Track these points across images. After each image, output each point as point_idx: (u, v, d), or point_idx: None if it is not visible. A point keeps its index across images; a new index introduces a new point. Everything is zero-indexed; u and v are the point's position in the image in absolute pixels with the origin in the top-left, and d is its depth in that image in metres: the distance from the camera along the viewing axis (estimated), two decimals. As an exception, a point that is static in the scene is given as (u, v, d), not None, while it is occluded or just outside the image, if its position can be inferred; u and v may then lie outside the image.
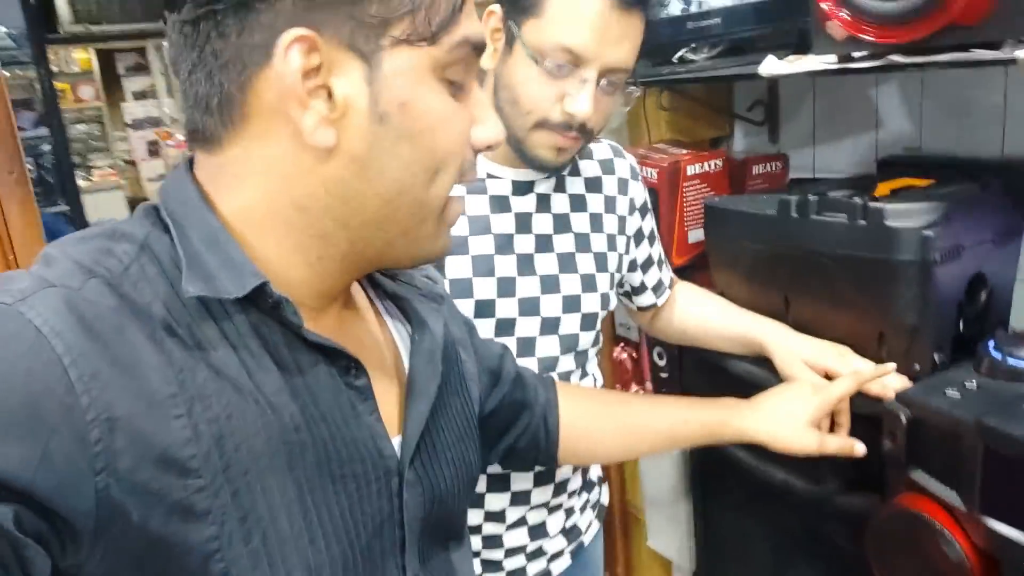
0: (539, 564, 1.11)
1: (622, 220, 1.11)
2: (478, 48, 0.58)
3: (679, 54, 1.29)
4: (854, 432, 0.96)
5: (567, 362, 1.06)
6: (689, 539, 1.52)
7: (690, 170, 1.32)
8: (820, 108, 1.38)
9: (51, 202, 3.78)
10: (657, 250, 1.19)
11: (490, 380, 0.86)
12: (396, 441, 0.63)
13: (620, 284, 1.17)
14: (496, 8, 0.95)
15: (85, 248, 0.54)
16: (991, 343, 0.90)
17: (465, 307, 0.97)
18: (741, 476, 1.18)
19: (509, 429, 0.90)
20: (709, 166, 1.34)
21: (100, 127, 6.29)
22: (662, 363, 1.50)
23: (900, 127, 1.24)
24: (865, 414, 0.96)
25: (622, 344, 1.61)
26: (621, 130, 1.58)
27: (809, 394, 0.94)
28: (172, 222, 0.55)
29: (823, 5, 0.94)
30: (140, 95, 6.00)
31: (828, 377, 1.00)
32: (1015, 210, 1.03)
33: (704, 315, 1.20)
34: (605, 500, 1.25)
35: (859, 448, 0.92)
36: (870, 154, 1.29)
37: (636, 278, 1.18)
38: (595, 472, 1.21)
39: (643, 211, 1.16)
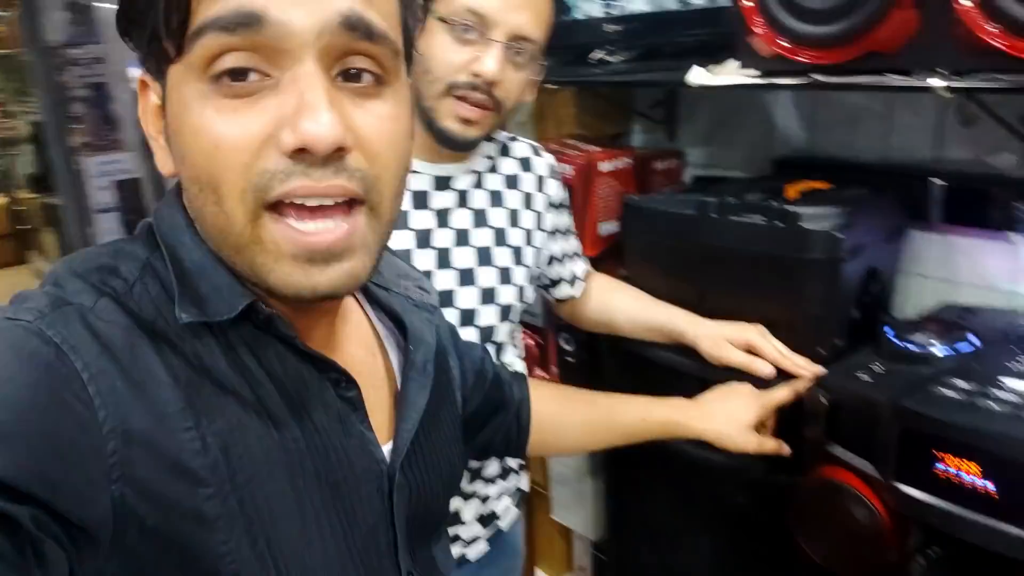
0: (454, 550, 1.14)
1: (539, 216, 1.16)
2: (243, 23, 0.48)
3: (597, 56, 1.35)
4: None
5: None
6: (594, 511, 1.61)
7: (603, 167, 1.39)
8: (717, 109, 1.48)
9: None
10: (573, 244, 1.25)
11: (475, 382, 0.90)
12: (386, 447, 0.66)
13: (537, 278, 1.22)
14: None
15: (91, 267, 0.55)
16: (890, 331, 1.02)
17: None
18: (653, 451, 1.27)
19: (486, 427, 0.94)
20: (619, 163, 1.42)
21: None
22: (569, 348, 1.57)
23: (793, 130, 1.36)
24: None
25: (526, 330, 1.67)
26: (527, 123, 1.62)
27: (752, 399, 1.04)
28: (164, 245, 0.57)
29: (752, 23, 1.02)
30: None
31: (751, 352, 1.11)
32: (899, 209, 1.18)
33: (623, 306, 1.27)
34: (525, 486, 1.31)
35: (785, 449, 1.04)
36: (764, 154, 1.41)
37: (553, 271, 1.24)
38: (514, 460, 1.27)
39: (560, 208, 1.21)
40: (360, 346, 0.69)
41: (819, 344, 1.10)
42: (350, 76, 0.52)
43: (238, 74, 0.49)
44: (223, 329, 0.55)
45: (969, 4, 0.82)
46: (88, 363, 0.49)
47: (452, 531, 1.13)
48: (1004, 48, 0.81)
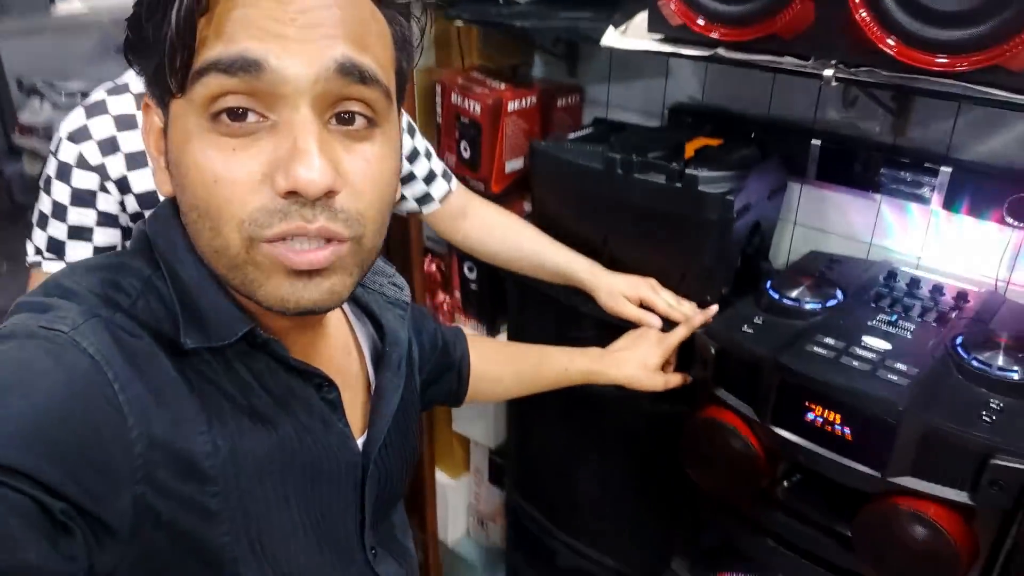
0: None
1: None
2: (243, 67, 0.51)
3: (505, -5, 1.36)
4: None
5: None
6: (494, 423, 1.74)
7: (511, 106, 1.43)
8: (617, 50, 1.53)
9: None
10: (423, 166, 1.27)
11: (430, 353, 0.97)
12: (360, 440, 0.73)
13: None
14: None
15: (96, 279, 0.58)
16: (768, 284, 1.16)
17: None
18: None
19: (432, 385, 1.02)
20: (525, 102, 1.45)
21: None
22: (472, 276, 1.64)
23: (687, 79, 1.44)
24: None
25: (430, 256, 1.72)
26: (429, 50, 1.61)
27: (656, 343, 1.17)
28: (164, 264, 0.60)
29: (666, -2, 1.07)
30: None
31: (643, 305, 1.23)
32: (782, 169, 1.29)
33: (518, 242, 1.32)
34: None
35: (689, 379, 1.18)
36: (659, 99, 1.48)
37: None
38: None
39: (410, 132, 1.25)
40: (338, 347, 0.75)
41: (708, 292, 1.23)
42: (343, 119, 0.55)
43: (237, 114, 0.52)
44: (220, 348, 0.60)
45: (865, 15, 0.91)
46: (118, 373, 0.53)
47: None
48: (892, 53, 0.91)
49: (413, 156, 1.26)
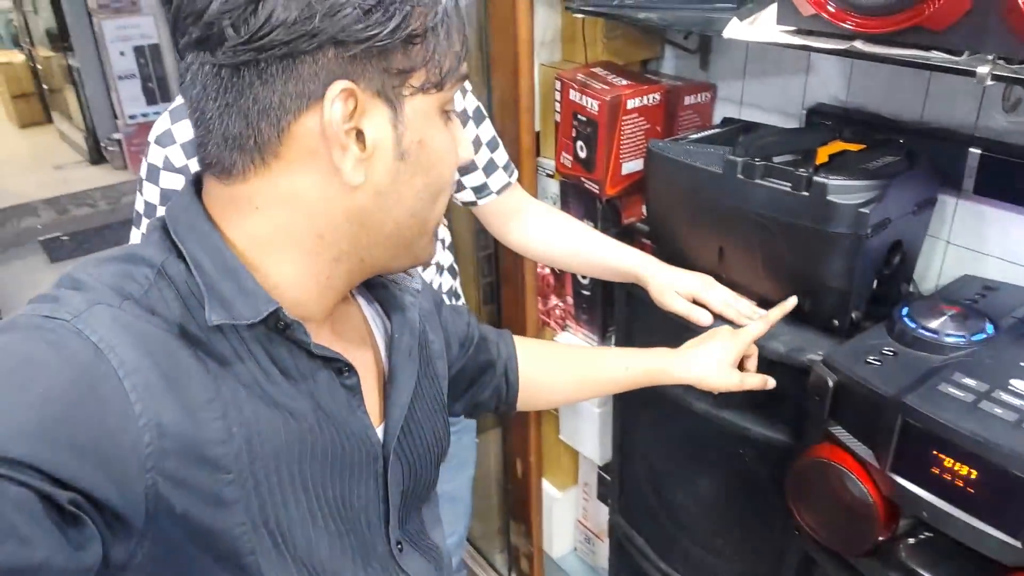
0: None
1: None
2: (465, 79, 0.65)
3: (629, -15, 1.27)
4: (778, 377, 1.08)
5: None
6: (600, 438, 1.66)
7: (630, 104, 1.34)
8: (754, 45, 1.41)
9: None
10: (484, 156, 1.26)
11: (459, 350, 0.95)
12: (379, 429, 0.72)
13: None
14: None
15: (108, 271, 0.58)
16: (904, 311, 1.01)
17: None
18: (659, 393, 1.29)
19: (472, 386, 0.99)
20: (648, 100, 1.36)
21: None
22: (584, 281, 1.57)
23: (829, 76, 1.30)
24: (790, 364, 1.09)
25: (545, 259, 1.66)
26: (555, 44, 1.55)
27: (729, 338, 1.07)
28: (185, 249, 0.59)
29: (796, -18, 0.96)
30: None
31: (696, 302, 1.15)
32: (933, 180, 1.14)
33: (572, 239, 1.30)
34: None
35: (771, 382, 1.07)
36: (798, 98, 1.35)
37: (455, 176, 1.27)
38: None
39: (463, 119, 1.22)
40: (353, 338, 0.75)
41: (836, 316, 1.10)
42: None
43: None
44: (238, 331, 0.60)
45: (1029, -2, 0.76)
46: (124, 360, 0.53)
47: None
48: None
49: (476, 145, 1.24)
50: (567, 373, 1.08)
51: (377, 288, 0.79)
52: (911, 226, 1.13)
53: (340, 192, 0.60)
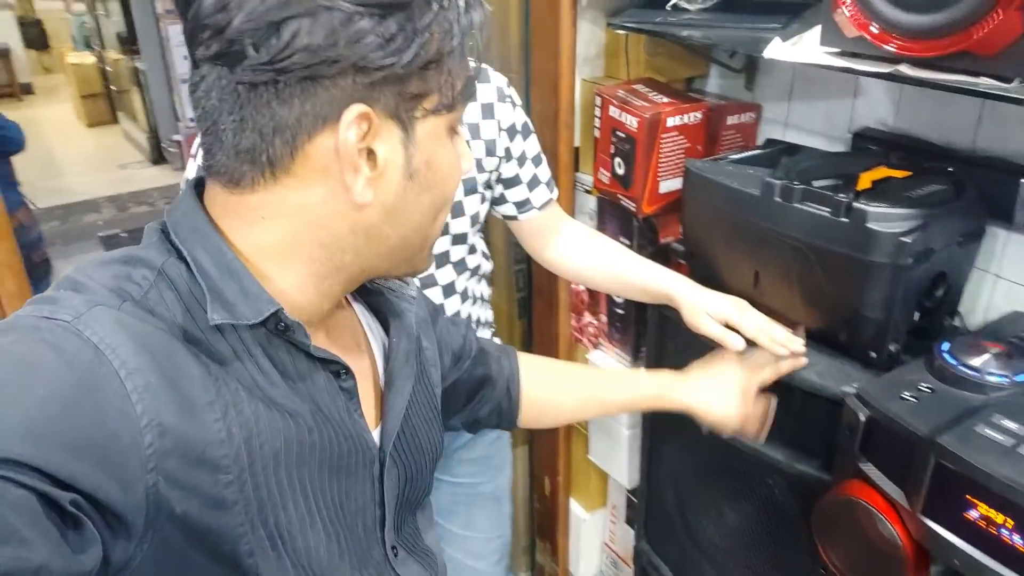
0: None
1: (491, 142, 1.20)
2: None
3: (673, 1, 1.25)
4: (811, 408, 1.05)
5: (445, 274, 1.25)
6: (629, 460, 1.63)
7: (670, 122, 1.32)
8: (801, 66, 1.37)
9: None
10: (529, 171, 1.27)
11: (452, 361, 0.95)
12: (375, 432, 0.73)
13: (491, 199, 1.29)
14: None
15: (108, 273, 0.58)
16: (945, 346, 0.97)
17: None
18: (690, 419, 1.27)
19: (472, 400, 0.99)
20: (688, 118, 1.34)
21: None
22: (619, 300, 1.55)
23: (878, 100, 1.25)
24: (823, 395, 1.05)
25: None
26: (597, 59, 1.54)
27: (735, 364, 1.08)
28: (187, 251, 0.60)
29: (841, 4, 0.93)
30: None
31: (729, 327, 1.12)
32: (980, 211, 1.09)
33: (606, 259, 1.29)
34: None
35: (762, 439, 1.09)
36: (844, 121, 1.31)
37: (499, 190, 1.27)
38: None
39: (511, 133, 1.22)
40: (349, 338, 0.75)
41: (873, 348, 1.06)
42: None
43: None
44: (237, 333, 0.60)
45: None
46: (125, 361, 0.53)
47: None
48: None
49: (521, 160, 1.25)
50: (572, 393, 1.08)
51: (374, 295, 0.79)
52: (956, 258, 1.08)
53: (348, 208, 0.60)
